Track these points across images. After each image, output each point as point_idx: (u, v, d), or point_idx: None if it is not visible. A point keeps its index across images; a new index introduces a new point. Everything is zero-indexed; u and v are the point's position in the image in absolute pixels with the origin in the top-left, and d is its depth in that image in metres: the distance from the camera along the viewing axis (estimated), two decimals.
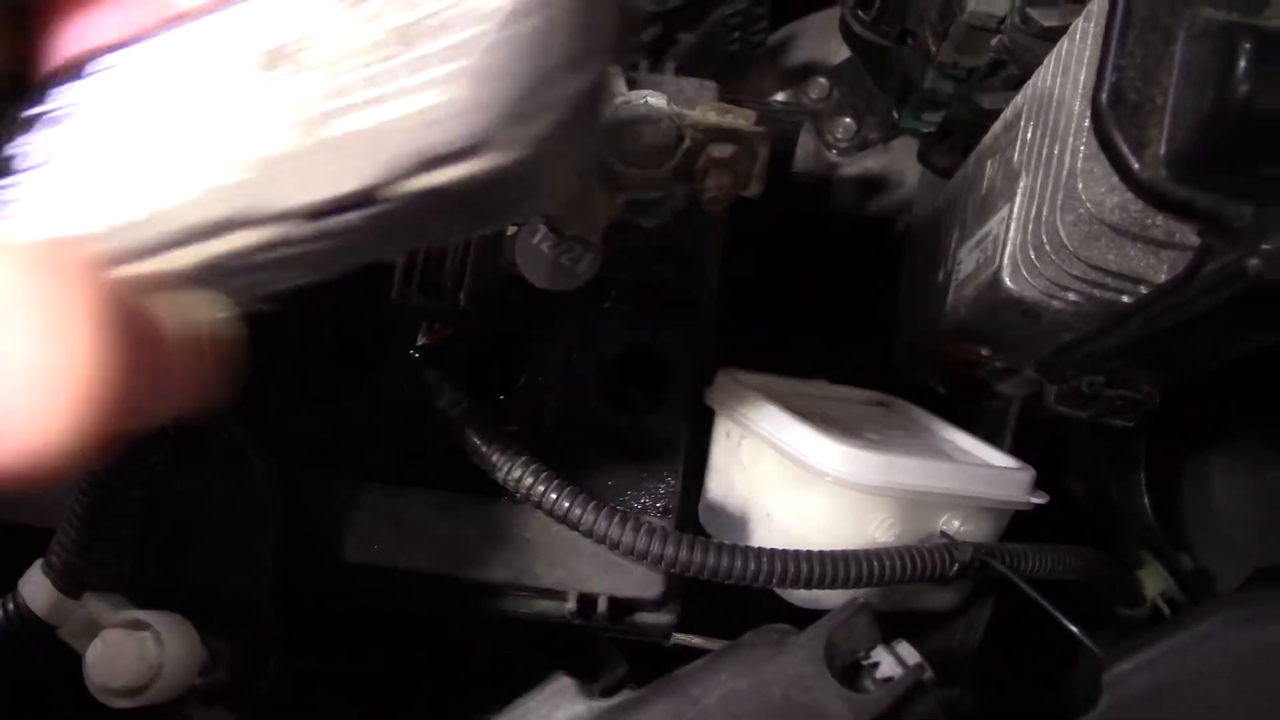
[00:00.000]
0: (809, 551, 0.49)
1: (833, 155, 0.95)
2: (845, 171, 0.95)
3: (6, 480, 0.24)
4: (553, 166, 0.28)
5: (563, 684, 0.44)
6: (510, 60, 0.26)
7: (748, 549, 0.49)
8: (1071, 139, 0.53)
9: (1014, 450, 0.68)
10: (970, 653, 0.60)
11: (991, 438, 0.68)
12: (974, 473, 0.58)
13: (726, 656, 0.43)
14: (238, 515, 0.54)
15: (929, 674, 0.44)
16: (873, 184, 0.95)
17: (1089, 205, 0.51)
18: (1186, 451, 0.70)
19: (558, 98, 0.27)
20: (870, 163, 0.95)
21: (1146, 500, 0.67)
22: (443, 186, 0.26)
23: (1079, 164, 0.51)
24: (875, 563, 0.49)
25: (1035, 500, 0.59)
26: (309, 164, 0.26)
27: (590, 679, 0.52)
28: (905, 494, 0.54)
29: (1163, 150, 0.47)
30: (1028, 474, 0.60)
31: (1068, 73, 0.55)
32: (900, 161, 0.94)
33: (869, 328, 0.89)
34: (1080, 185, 0.51)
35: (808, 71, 0.97)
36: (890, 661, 0.45)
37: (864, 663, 0.45)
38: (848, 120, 0.95)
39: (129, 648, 0.48)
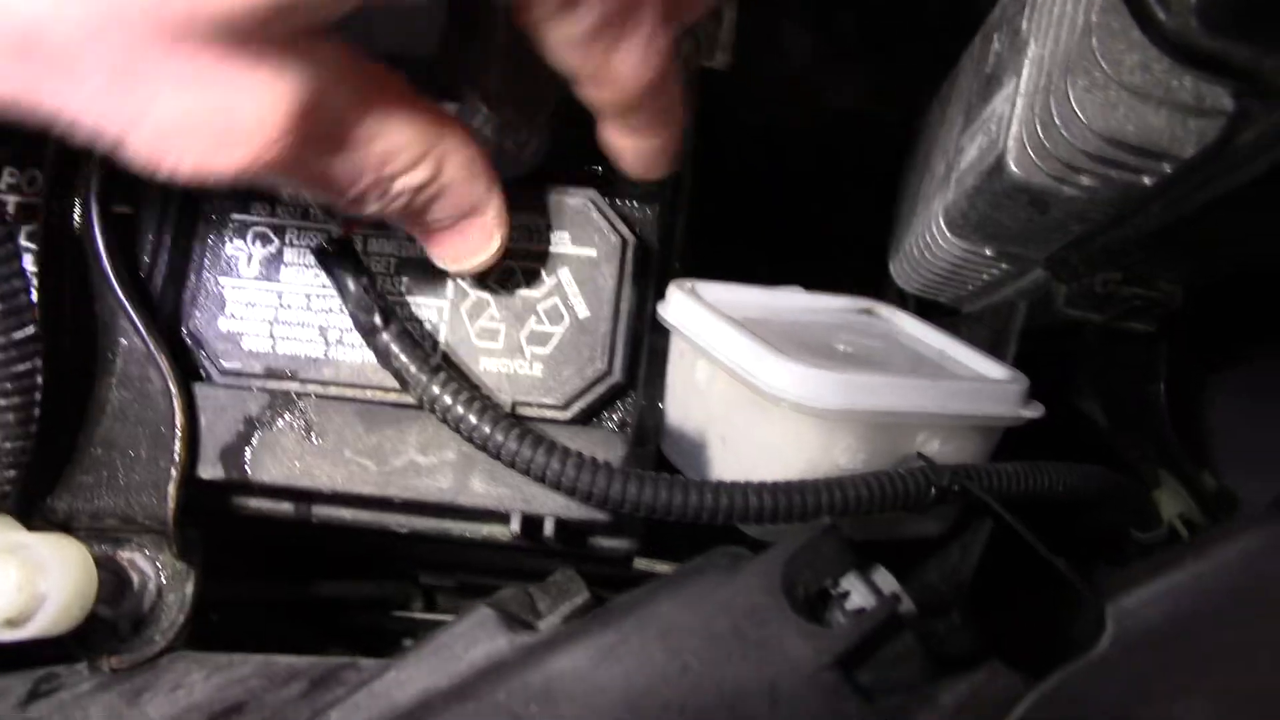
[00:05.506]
0: (760, 484, 0.43)
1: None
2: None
3: None
4: None
5: (483, 615, 0.38)
6: None
7: (689, 483, 0.43)
8: None
9: (1019, 361, 0.61)
10: (964, 580, 0.54)
11: (995, 347, 0.62)
12: (951, 388, 0.51)
13: (669, 585, 0.38)
14: (138, 430, 0.48)
15: (907, 605, 0.38)
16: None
17: (1105, 66, 0.44)
18: (1211, 361, 0.63)
19: None
20: None
21: (1166, 413, 0.60)
22: None
23: (1094, 18, 0.44)
24: (838, 493, 0.43)
25: (1026, 414, 0.52)
26: None
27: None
28: (871, 416, 0.47)
29: None
30: (1018, 385, 0.53)
31: None
32: None
33: (866, 234, 0.82)
34: (1095, 43, 0.44)
35: None
36: (863, 591, 0.39)
37: (832, 592, 0.39)
38: None
39: (4, 574, 0.43)
